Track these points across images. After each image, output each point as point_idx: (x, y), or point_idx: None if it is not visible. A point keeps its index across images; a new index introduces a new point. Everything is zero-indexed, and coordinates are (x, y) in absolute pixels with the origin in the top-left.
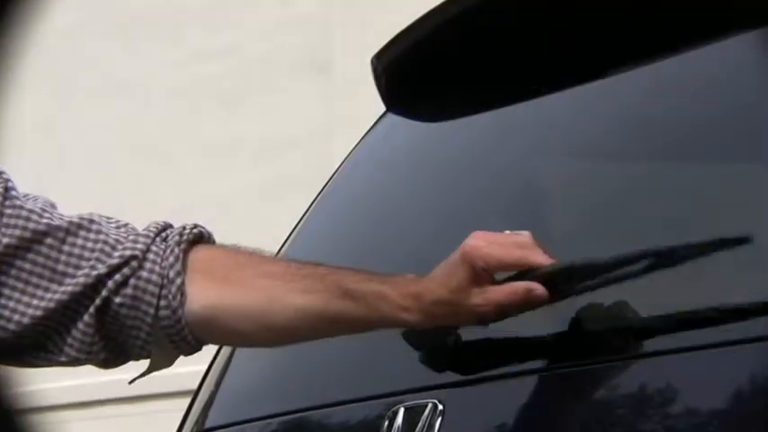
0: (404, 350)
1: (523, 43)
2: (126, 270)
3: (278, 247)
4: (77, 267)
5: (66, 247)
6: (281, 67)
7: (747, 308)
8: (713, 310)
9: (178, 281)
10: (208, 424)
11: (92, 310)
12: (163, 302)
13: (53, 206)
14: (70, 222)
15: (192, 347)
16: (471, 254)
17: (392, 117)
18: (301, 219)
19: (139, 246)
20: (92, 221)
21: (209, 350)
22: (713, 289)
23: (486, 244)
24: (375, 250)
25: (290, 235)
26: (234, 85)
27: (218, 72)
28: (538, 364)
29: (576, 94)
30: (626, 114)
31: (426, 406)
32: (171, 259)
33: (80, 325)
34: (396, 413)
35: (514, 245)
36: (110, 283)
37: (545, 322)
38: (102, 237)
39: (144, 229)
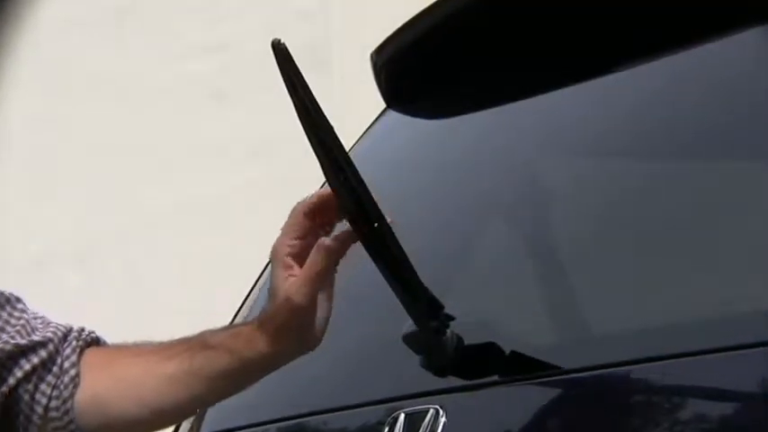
0: (404, 355)
1: (525, 39)
2: (39, 357)
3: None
4: None
5: None
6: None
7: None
8: (716, 314)
9: (72, 372)
10: (204, 430)
11: (3, 389)
12: (55, 392)
13: None
14: (1, 293)
15: None
16: (273, 252)
17: (392, 114)
18: None
19: (56, 335)
20: (19, 300)
21: None
22: (715, 290)
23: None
24: None
25: None
26: (229, 81)
27: (214, 68)
28: (540, 369)
29: (578, 91)
30: (627, 113)
31: (427, 412)
32: (68, 351)
33: None
34: (396, 419)
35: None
36: (23, 363)
37: (548, 328)
38: (25, 316)
39: (53, 325)
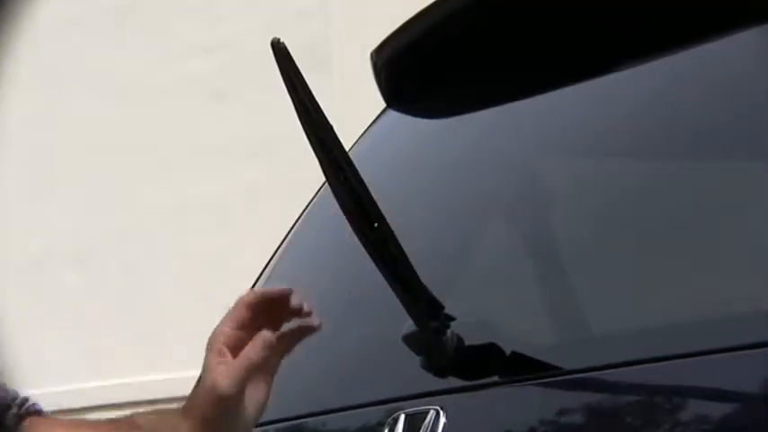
0: (404, 355)
1: (525, 38)
2: None
3: (274, 247)
4: None
5: None
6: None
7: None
8: (716, 314)
9: None
10: None
11: None
12: None
13: None
14: None
15: None
16: (210, 339)
17: (392, 113)
18: (300, 217)
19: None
20: None
21: (202, 356)
22: (716, 290)
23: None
24: None
25: (287, 234)
26: (228, 81)
27: (213, 68)
28: (540, 370)
29: (578, 91)
30: (627, 113)
31: (427, 412)
32: (9, 414)
33: None
34: (396, 420)
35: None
36: None
37: (548, 328)
38: None
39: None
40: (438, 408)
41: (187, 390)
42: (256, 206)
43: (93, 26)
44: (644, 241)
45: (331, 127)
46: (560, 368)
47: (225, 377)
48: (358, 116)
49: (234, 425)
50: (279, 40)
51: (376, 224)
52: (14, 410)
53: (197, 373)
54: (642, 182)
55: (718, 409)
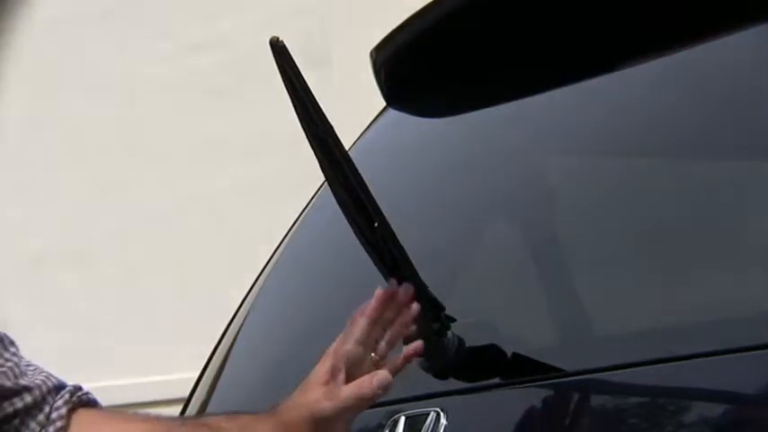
0: None
1: (525, 36)
2: (23, 402)
3: (273, 246)
4: None
5: None
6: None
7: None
8: (720, 316)
9: (58, 423)
10: None
11: None
12: None
13: None
14: None
15: None
16: (327, 353)
17: (392, 112)
18: (299, 217)
19: (46, 384)
20: (12, 343)
21: (201, 357)
22: (718, 292)
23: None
24: None
25: (287, 233)
26: (226, 79)
27: (211, 65)
28: (541, 372)
29: (579, 90)
30: (629, 112)
31: (428, 415)
32: (60, 402)
33: None
34: (396, 422)
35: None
36: (5, 405)
37: (549, 330)
38: (15, 359)
39: (45, 374)
40: (438, 410)
41: (184, 392)
42: (255, 205)
43: (90, 24)
44: (646, 242)
45: (331, 126)
46: (562, 370)
47: (330, 400)
48: (357, 115)
49: None
50: (278, 38)
51: (376, 224)
52: (66, 395)
53: (194, 374)
54: (644, 182)
55: (721, 412)
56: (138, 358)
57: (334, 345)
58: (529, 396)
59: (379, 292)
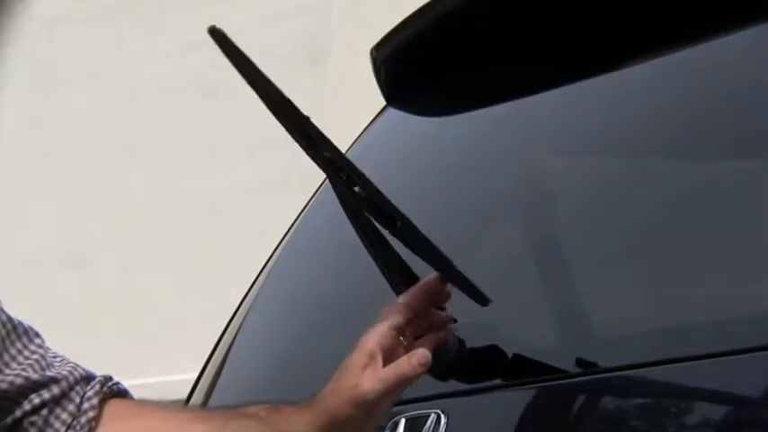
0: None
1: (526, 34)
2: (50, 393)
3: (272, 246)
4: (6, 365)
5: (4, 344)
6: (274, 59)
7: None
8: (722, 316)
9: (90, 414)
10: None
11: (7, 420)
12: None
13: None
14: (19, 323)
15: None
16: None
17: (392, 112)
18: (299, 216)
19: (73, 374)
20: (37, 335)
21: (200, 357)
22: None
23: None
24: None
25: (286, 233)
26: (225, 77)
27: (210, 64)
28: (543, 373)
29: (581, 88)
30: (631, 112)
31: (428, 417)
32: (91, 393)
33: None
34: (396, 424)
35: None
36: (32, 396)
37: (551, 331)
38: (41, 351)
39: (72, 364)
40: (439, 411)
41: (183, 392)
42: (255, 205)
43: (89, 22)
44: (649, 242)
45: (306, 117)
46: (563, 371)
47: (371, 382)
48: (356, 114)
49: (358, 428)
50: (214, 26)
51: (399, 223)
52: (97, 386)
53: (193, 375)
54: (647, 182)
55: (725, 414)
56: (137, 359)
57: (370, 332)
58: (530, 398)
59: (424, 281)
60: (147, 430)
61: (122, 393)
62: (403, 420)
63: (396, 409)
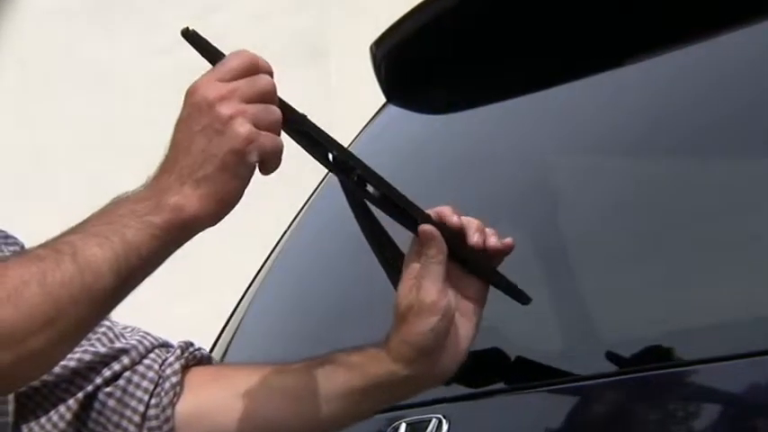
0: None
1: (528, 31)
2: (120, 364)
3: (271, 246)
4: None
5: None
6: (273, 54)
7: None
8: (729, 320)
9: (174, 379)
10: None
11: (79, 395)
12: (154, 400)
13: None
14: None
15: None
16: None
17: (392, 108)
18: (298, 214)
19: (142, 343)
20: None
21: None
22: (728, 295)
23: None
24: None
25: (286, 232)
26: None
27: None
28: (546, 377)
29: (582, 86)
30: (633, 111)
31: (429, 421)
32: (171, 359)
33: (61, 408)
34: (397, 429)
35: None
36: (103, 369)
37: (554, 334)
38: (107, 323)
39: (141, 333)
40: (440, 416)
41: None
42: (254, 204)
43: (81, 17)
44: (654, 245)
45: (303, 116)
46: (566, 375)
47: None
48: (356, 110)
49: (444, 355)
50: (188, 28)
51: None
52: (178, 351)
53: None
54: (652, 183)
55: (731, 417)
56: None
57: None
58: (532, 402)
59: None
60: (230, 389)
61: (205, 359)
62: (404, 425)
63: (396, 413)
